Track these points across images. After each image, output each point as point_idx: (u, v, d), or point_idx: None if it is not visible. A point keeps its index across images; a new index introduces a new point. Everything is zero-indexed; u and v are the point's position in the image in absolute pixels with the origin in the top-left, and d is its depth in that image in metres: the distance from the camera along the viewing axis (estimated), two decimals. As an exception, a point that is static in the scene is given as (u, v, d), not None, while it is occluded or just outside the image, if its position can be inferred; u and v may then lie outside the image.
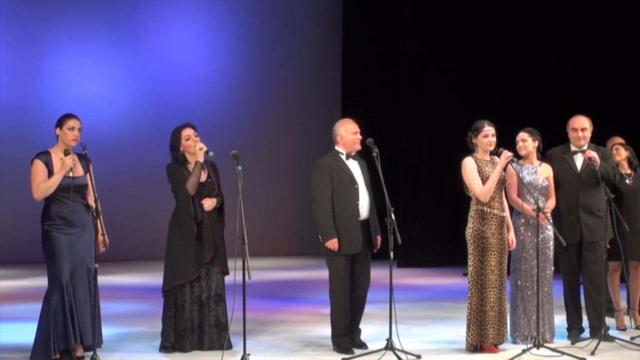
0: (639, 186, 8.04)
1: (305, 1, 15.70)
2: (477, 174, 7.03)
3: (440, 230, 13.27)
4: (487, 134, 7.11)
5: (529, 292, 7.33)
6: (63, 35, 14.08)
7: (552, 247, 7.43)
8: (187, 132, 7.11)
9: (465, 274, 7.24)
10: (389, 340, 6.77)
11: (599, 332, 7.35)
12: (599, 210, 7.47)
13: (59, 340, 6.51)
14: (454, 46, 13.57)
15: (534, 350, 6.93)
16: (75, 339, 6.54)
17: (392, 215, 6.75)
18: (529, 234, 7.36)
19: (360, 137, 7.24)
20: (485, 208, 7.02)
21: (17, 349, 7.11)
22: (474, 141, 7.17)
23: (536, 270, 7.19)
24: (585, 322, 7.70)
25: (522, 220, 7.40)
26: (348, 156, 7.23)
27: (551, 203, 7.45)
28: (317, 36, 15.61)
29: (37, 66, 13.95)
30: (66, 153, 6.60)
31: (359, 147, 7.26)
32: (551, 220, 7.25)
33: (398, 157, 13.77)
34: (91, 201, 6.62)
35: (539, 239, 7.22)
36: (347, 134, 7.22)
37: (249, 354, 6.41)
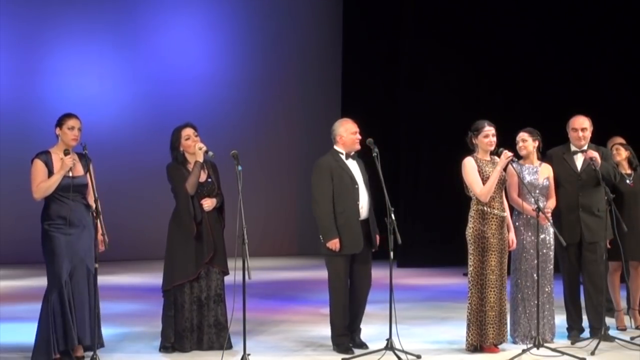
0: (639, 186, 8.04)
1: (305, 1, 15.71)
2: (478, 174, 7.03)
3: (440, 230, 13.28)
4: (488, 134, 7.11)
5: (529, 292, 7.33)
6: (63, 35, 14.09)
7: (552, 247, 7.43)
8: (187, 132, 7.11)
9: (465, 274, 7.24)
10: (389, 340, 6.77)
11: (599, 332, 7.35)
12: (599, 210, 7.47)
13: (58, 341, 6.51)
14: (454, 46, 13.58)
15: (534, 350, 6.93)
16: (75, 339, 6.54)
17: (392, 215, 6.75)
18: (529, 233, 7.36)
19: (359, 137, 7.24)
20: (485, 208, 7.02)
21: (17, 349, 7.11)
22: (474, 141, 7.17)
23: (536, 270, 7.19)
24: (585, 322, 7.70)
25: (523, 220, 7.40)
26: (347, 156, 7.23)
27: (551, 203, 7.45)
28: (317, 36, 15.62)
29: (37, 66, 13.95)
30: (66, 153, 6.60)
31: (358, 147, 7.26)
32: (551, 220, 7.25)
33: (398, 157, 13.77)
34: (91, 201, 6.62)
35: (539, 239, 7.23)
36: (347, 133, 7.22)
37: (249, 354, 6.41)
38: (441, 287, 11.32)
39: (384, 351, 6.77)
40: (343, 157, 7.22)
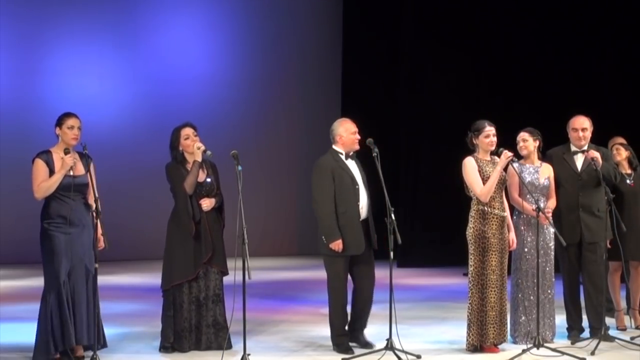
0: (639, 186, 8.04)
1: (305, 1, 15.70)
2: (478, 174, 7.03)
3: (440, 230, 13.28)
4: (489, 134, 7.10)
5: (529, 292, 7.33)
6: (63, 35, 14.08)
7: (552, 247, 7.43)
8: (186, 131, 7.11)
9: (466, 274, 7.23)
10: (389, 340, 6.77)
11: (599, 332, 7.35)
12: (599, 210, 7.47)
13: (57, 341, 6.51)
14: (454, 46, 13.58)
15: (534, 350, 6.93)
16: (77, 339, 6.54)
17: (392, 215, 6.75)
18: (530, 233, 7.36)
19: (358, 136, 7.24)
20: (486, 208, 7.02)
21: (17, 349, 7.11)
22: (474, 141, 7.16)
23: (537, 270, 7.19)
24: (585, 322, 7.69)
25: (523, 220, 7.40)
26: (347, 156, 7.22)
27: (552, 203, 7.45)
28: (317, 36, 15.62)
29: (37, 66, 13.95)
30: (66, 152, 6.60)
31: (357, 147, 7.25)
32: (551, 221, 7.25)
33: (398, 157, 13.77)
34: (91, 200, 6.62)
35: (540, 238, 7.22)
36: (347, 133, 7.21)
37: (249, 354, 6.41)
38: (441, 287, 11.32)
39: (384, 351, 6.77)
40: (343, 157, 7.21)
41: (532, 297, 7.28)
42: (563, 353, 6.91)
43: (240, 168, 6.49)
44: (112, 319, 8.17)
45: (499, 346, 7.11)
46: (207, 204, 7.04)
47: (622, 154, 8.14)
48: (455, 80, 13.61)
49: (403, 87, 14.05)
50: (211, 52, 15.08)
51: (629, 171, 8.10)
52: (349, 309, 7.26)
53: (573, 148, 7.63)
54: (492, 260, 7.00)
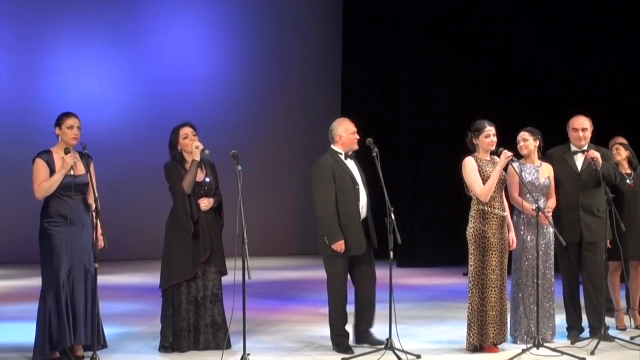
0: (639, 186, 8.04)
1: (305, 1, 15.70)
2: (478, 174, 7.03)
3: (440, 230, 13.29)
4: (489, 134, 7.10)
5: (530, 292, 7.33)
6: (63, 35, 14.09)
7: (552, 247, 7.43)
8: (185, 131, 7.10)
9: (466, 274, 7.23)
10: (389, 340, 6.77)
11: (599, 332, 7.35)
12: (599, 210, 7.47)
13: (56, 340, 6.51)
14: (454, 46, 13.57)
15: (534, 350, 6.93)
16: (73, 339, 6.53)
17: (392, 215, 6.75)
18: (530, 233, 7.36)
19: (358, 136, 7.23)
20: (486, 208, 7.02)
21: (17, 349, 7.11)
22: (474, 142, 7.16)
23: (537, 270, 7.19)
24: (585, 322, 7.69)
25: (523, 220, 7.40)
26: (346, 156, 7.22)
27: (552, 203, 7.45)
28: (317, 36, 15.62)
29: (37, 66, 13.95)
30: (67, 152, 6.60)
31: (357, 147, 7.25)
32: (551, 221, 7.25)
33: (398, 157, 13.76)
34: (91, 200, 6.62)
35: (540, 238, 7.22)
36: (347, 134, 7.21)
37: (249, 354, 6.40)
38: (441, 287, 11.31)
39: (384, 351, 6.77)
40: (342, 157, 7.21)
41: (532, 297, 7.27)
42: (563, 353, 6.91)
43: (240, 168, 6.49)
44: (112, 319, 8.17)
45: (499, 346, 7.11)
46: (205, 204, 7.04)
47: (622, 154, 8.14)
48: (455, 81, 13.61)
49: (403, 87, 14.05)
50: (211, 52, 15.08)
51: (629, 171, 8.10)
52: (349, 309, 7.26)
53: (573, 148, 7.63)
54: (492, 260, 6.99)
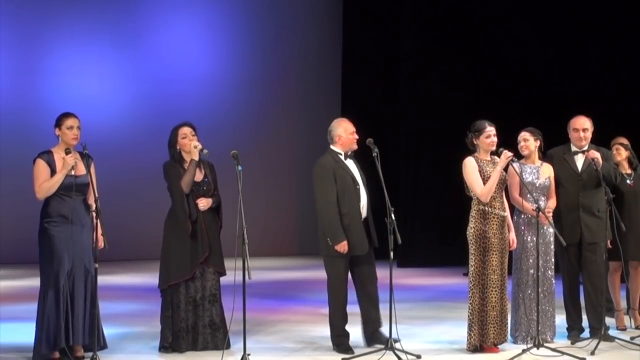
0: (639, 186, 8.04)
1: (305, 1, 15.70)
2: (478, 174, 7.03)
3: (440, 230, 13.28)
4: (490, 134, 7.10)
5: (530, 292, 7.33)
6: (63, 35, 14.08)
7: (553, 247, 7.43)
8: (184, 130, 7.10)
9: (466, 274, 7.23)
10: (389, 340, 6.77)
11: (599, 332, 7.35)
12: (599, 210, 7.47)
13: (56, 340, 6.50)
14: (454, 46, 13.57)
15: (534, 350, 6.93)
16: (73, 339, 6.53)
17: (392, 215, 6.74)
18: (530, 233, 7.36)
19: (357, 136, 7.23)
20: (486, 208, 7.01)
21: (17, 349, 7.11)
22: (475, 142, 7.16)
23: (537, 270, 7.18)
24: (585, 322, 7.69)
25: (524, 220, 7.40)
26: (345, 156, 7.22)
27: (552, 203, 7.45)
28: (317, 36, 15.61)
29: (37, 66, 13.95)
30: (67, 152, 6.60)
31: (356, 146, 7.25)
32: (551, 221, 7.25)
33: (398, 157, 13.76)
34: (91, 200, 6.62)
35: (540, 238, 7.22)
36: (346, 134, 7.21)
37: (249, 354, 6.40)
38: (441, 287, 11.31)
39: (384, 351, 6.77)
40: (342, 157, 7.21)
41: (532, 297, 7.27)
42: (563, 353, 6.91)
43: (240, 168, 6.48)
44: (111, 319, 8.18)
45: (499, 346, 7.11)
46: (203, 203, 7.03)
47: (622, 154, 8.14)
48: (455, 81, 13.61)
49: (403, 87, 14.05)
50: (211, 52, 15.08)
51: (629, 171, 8.10)
52: (352, 310, 7.25)
53: (573, 148, 7.63)
54: (492, 260, 6.99)
